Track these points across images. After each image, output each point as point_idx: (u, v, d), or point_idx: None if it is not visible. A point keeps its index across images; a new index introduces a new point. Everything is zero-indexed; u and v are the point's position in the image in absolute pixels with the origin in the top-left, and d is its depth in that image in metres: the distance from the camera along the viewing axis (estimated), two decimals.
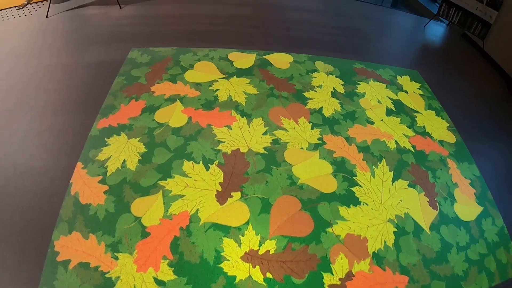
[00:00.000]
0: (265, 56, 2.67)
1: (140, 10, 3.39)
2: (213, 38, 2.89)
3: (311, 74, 2.57)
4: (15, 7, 4.01)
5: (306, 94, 2.34)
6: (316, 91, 2.39)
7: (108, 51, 2.66)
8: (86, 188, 1.65)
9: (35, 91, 2.31)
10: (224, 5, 3.56)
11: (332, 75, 2.61)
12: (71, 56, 2.66)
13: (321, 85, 2.46)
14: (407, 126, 2.28)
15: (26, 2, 4.10)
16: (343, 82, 2.54)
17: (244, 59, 2.61)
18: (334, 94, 2.40)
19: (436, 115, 2.46)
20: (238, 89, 2.29)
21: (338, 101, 2.34)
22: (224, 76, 2.39)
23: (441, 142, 2.23)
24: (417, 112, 2.44)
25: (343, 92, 2.44)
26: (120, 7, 3.44)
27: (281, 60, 2.67)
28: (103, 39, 2.86)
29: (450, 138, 2.30)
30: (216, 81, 2.33)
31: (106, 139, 1.89)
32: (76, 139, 1.92)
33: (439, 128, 2.35)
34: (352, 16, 3.85)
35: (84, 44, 2.80)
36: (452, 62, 3.39)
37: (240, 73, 2.44)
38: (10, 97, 2.26)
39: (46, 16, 3.47)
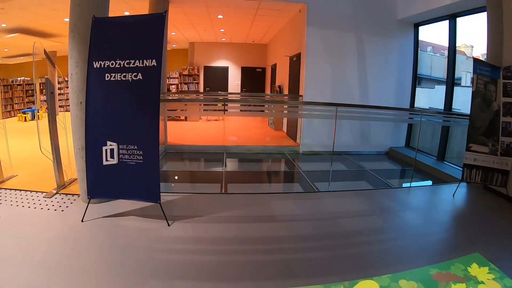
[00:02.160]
0: None
1: (190, 229, 3.18)
2: (284, 270, 2.62)
3: None
4: (42, 192, 3.82)
5: None
6: None
7: None
8: None
9: None
10: (281, 222, 3.46)
11: None
12: None
13: None
14: None
15: (54, 191, 3.86)
16: None
17: None
18: None
19: None
20: None
21: None
22: None
23: None
24: None
25: None
26: (168, 224, 3.20)
27: None
28: (164, 271, 2.50)
29: None
30: None
31: None
32: None
33: None
34: (396, 210, 3.97)
35: (140, 276, 2.42)
36: (491, 221, 3.66)
37: None
38: None
39: (82, 220, 3.19)
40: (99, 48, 3.14)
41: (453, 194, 4.37)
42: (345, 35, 7.15)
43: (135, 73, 3.09)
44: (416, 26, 7.35)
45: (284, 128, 9.34)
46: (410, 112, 6.57)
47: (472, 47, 6.23)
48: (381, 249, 3.05)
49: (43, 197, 3.72)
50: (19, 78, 13.39)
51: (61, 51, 12.10)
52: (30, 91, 13.66)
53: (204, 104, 6.79)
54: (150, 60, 3.07)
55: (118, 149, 3.14)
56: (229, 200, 3.99)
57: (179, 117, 11.34)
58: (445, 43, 6.91)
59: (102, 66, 3.12)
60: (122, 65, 3.11)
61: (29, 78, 13.59)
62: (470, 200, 4.34)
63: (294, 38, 8.26)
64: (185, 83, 13.28)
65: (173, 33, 10.92)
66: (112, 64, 3.11)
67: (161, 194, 3.21)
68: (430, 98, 7.57)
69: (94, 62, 3.13)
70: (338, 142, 7.28)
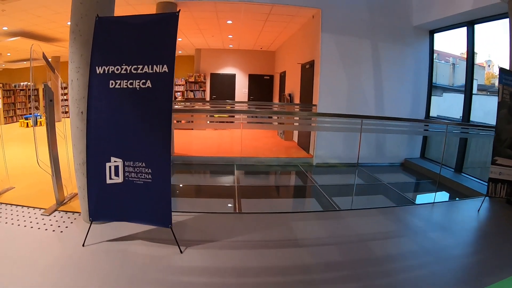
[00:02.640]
0: None
1: (206, 257, 2.82)
2: None
3: None
4: (40, 209, 3.53)
5: None
6: None
7: None
8: None
9: None
10: (304, 248, 3.13)
11: None
12: None
13: None
14: None
15: (53, 208, 3.56)
16: None
17: None
18: None
19: None
20: None
21: None
22: None
23: None
24: None
25: None
26: (181, 251, 2.84)
27: None
28: None
29: None
30: None
31: None
32: None
33: None
34: (424, 229, 3.72)
35: None
36: None
37: None
38: None
39: (83, 244, 2.85)
40: (103, 52, 2.82)
41: (478, 210, 4.22)
42: (360, 41, 6.87)
43: (144, 80, 2.76)
44: (432, 33, 7.10)
45: (295, 138, 8.99)
46: (435, 123, 6.28)
47: (476, 54, 6.05)
48: (416, 277, 2.78)
49: (41, 214, 3.44)
50: (21, 83, 13.20)
51: (64, 57, 11.89)
52: (32, 96, 13.49)
53: (210, 115, 6.56)
54: (160, 66, 2.75)
55: (124, 166, 2.80)
56: (245, 221, 3.67)
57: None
58: (450, 50, 7.01)
59: (106, 72, 2.80)
60: (128, 71, 2.78)
61: (32, 83, 13.41)
62: (496, 216, 4.18)
63: (306, 45, 7.96)
64: (191, 91, 13.00)
65: (180, 39, 10.66)
66: (117, 69, 2.79)
67: None
68: (438, 106, 7.36)
69: (97, 67, 2.81)
70: (352, 153, 7.01)
